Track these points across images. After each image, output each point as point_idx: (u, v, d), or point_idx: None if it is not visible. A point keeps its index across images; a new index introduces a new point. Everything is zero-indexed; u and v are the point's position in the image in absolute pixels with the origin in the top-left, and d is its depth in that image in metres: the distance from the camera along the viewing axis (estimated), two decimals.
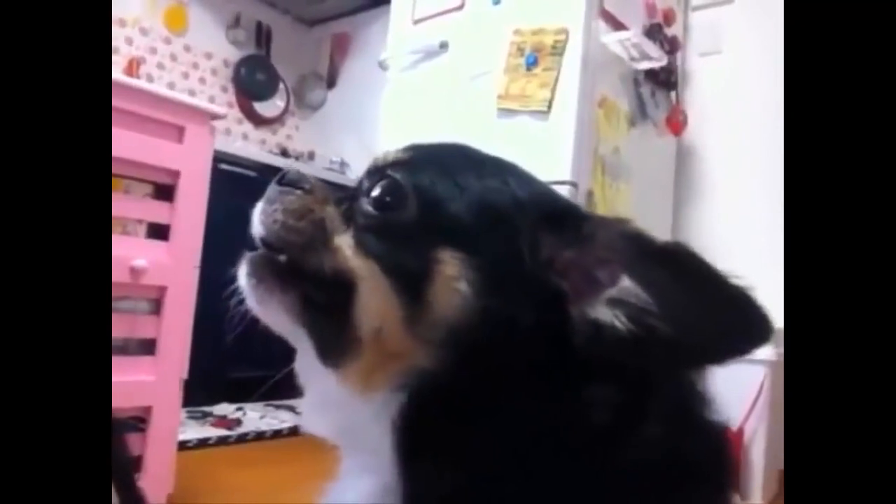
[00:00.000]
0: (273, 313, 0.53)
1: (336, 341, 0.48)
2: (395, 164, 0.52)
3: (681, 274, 0.41)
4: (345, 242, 0.50)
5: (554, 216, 0.48)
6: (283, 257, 0.52)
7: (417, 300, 0.46)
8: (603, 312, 0.42)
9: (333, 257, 0.50)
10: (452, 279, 0.45)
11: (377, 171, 0.53)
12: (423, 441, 0.44)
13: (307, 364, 0.52)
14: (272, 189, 0.55)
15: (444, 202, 0.49)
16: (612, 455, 0.42)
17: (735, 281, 0.40)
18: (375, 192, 0.50)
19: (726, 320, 0.41)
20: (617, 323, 0.42)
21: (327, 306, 0.49)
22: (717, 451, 0.47)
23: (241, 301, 0.54)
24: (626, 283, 0.43)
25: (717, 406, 0.47)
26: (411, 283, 0.46)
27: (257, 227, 0.54)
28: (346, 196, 0.54)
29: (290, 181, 0.55)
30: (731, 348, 0.41)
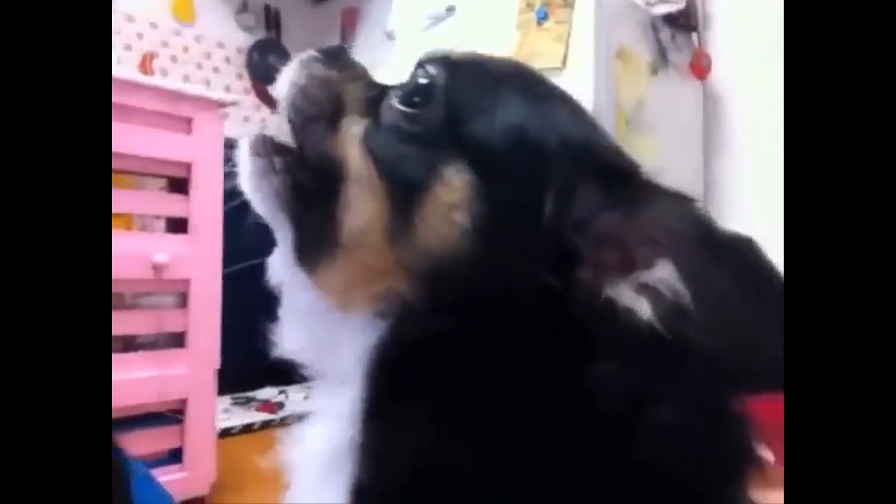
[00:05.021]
0: (263, 194, 0.49)
1: (316, 237, 0.45)
2: (439, 60, 0.46)
3: (742, 277, 0.33)
4: (353, 127, 0.46)
5: (606, 170, 0.40)
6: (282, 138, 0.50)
7: (407, 216, 0.41)
8: (626, 294, 0.35)
9: (334, 138, 0.46)
10: (450, 206, 0.40)
11: (420, 65, 0.47)
12: (396, 379, 0.39)
13: (282, 263, 0.49)
14: (309, 54, 0.53)
15: (475, 112, 0.42)
16: (617, 440, 0.35)
17: None
18: (406, 84, 0.46)
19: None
20: (639, 310, 0.34)
21: (314, 193, 0.46)
22: (738, 442, 0.39)
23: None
24: (666, 269, 0.34)
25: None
26: (406, 195, 0.41)
27: (282, 85, 0.51)
28: (385, 86, 0.50)
29: (329, 51, 0.53)
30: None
